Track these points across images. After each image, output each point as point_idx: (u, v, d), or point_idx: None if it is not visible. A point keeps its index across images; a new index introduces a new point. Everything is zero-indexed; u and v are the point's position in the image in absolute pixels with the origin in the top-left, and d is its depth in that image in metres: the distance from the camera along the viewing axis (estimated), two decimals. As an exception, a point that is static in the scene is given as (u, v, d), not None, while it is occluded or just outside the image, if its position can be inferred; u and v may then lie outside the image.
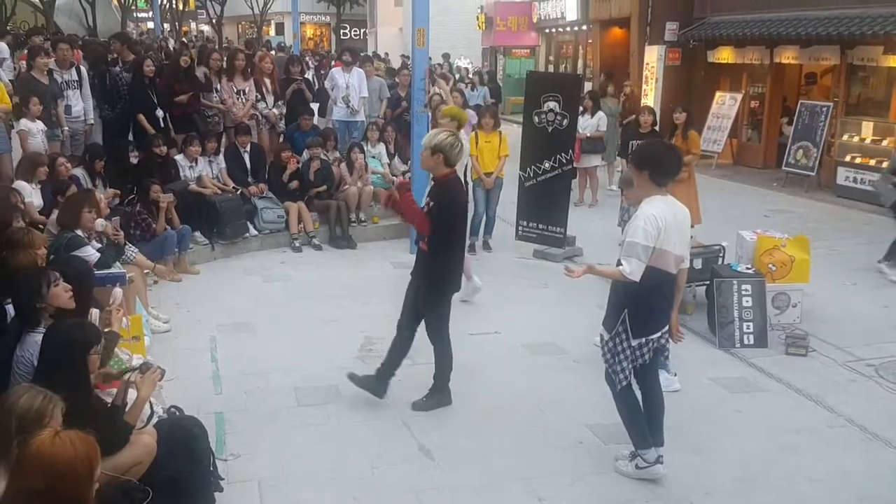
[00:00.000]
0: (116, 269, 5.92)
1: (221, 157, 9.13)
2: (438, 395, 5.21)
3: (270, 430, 4.89)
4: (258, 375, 5.64)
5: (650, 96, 16.17)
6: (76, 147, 8.66)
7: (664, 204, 4.14)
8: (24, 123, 7.67)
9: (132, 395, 3.70)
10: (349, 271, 8.28)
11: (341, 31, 39.78)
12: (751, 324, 6.36)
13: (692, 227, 4.55)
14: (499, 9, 25.42)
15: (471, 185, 7.81)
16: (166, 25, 36.24)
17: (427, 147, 4.89)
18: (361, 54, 13.51)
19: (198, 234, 8.36)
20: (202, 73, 9.78)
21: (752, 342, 6.34)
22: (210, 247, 8.51)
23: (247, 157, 9.29)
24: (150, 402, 3.77)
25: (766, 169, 14.73)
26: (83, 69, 9.00)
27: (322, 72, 14.49)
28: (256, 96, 9.85)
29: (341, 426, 4.97)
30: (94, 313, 4.38)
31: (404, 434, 4.88)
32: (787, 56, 13.88)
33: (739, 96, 15.17)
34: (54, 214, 6.23)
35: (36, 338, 3.85)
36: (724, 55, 15.26)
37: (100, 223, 6.23)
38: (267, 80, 10.06)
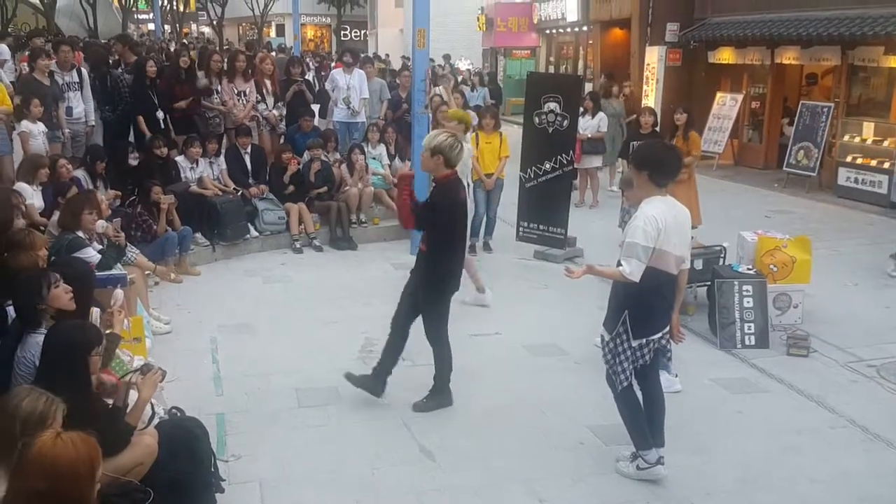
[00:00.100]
0: (117, 270, 5.93)
1: (222, 158, 9.13)
2: (439, 395, 5.21)
3: (271, 431, 4.89)
4: (259, 377, 5.64)
5: (651, 97, 16.17)
6: (77, 149, 8.66)
7: (664, 205, 4.14)
8: (25, 125, 7.67)
9: (133, 396, 3.70)
10: (350, 272, 8.28)
11: (342, 32, 39.80)
12: (752, 324, 6.36)
13: (693, 228, 4.55)
14: (499, 10, 25.44)
15: (471, 186, 7.81)
16: (167, 27, 36.27)
17: (427, 148, 4.90)
18: (362, 55, 13.53)
19: (198, 235, 8.36)
20: (202, 75, 9.78)
21: (753, 343, 6.34)
22: (211, 248, 8.51)
23: (247, 159, 9.29)
24: (151, 404, 3.77)
25: (767, 170, 14.73)
26: (84, 71, 9.00)
27: (322, 73, 14.49)
28: (257, 98, 9.86)
29: (342, 427, 4.97)
30: (95, 312, 4.38)
31: (405, 435, 4.88)
32: (788, 57, 13.88)
33: (740, 97, 15.17)
34: (55, 216, 6.23)
35: (37, 339, 3.85)
36: (725, 56, 15.26)
37: (101, 224, 6.23)
38: (267, 82, 10.06)
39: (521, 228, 8.98)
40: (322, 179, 9.35)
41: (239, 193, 8.89)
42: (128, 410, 3.61)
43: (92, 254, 5.77)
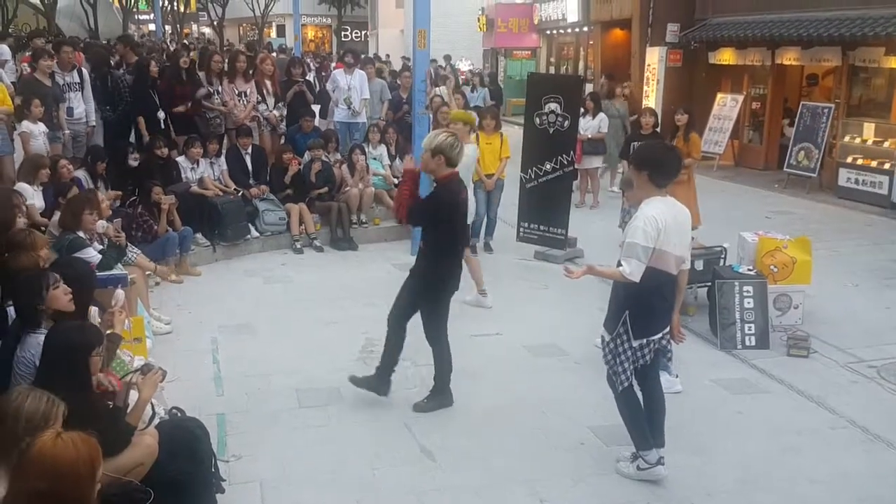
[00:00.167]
0: (118, 270, 5.94)
1: (223, 158, 9.14)
2: (439, 396, 5.21)
3: (272, 431, 4.89)
4: (259, 377, 5.64)
5: (651, 98, 16.18)
6: (78, 149, 8.66)
7: (664, 205, 4.14)
8: (26, 125, 7.68)
9: (134, 396, 3.71)
10: (350, 273, 8.29)
11: (342, 33, 39.82)
12: (752, 325, 6.36)
13: (692, 229, 4.55)
14: (500, 10, 25.45)
15: (471, 186, 7.81)
16: (167, 27, 36.28)
17: (428, 149, 4.90)
18: (362, 56, 13.53)
19: (199, 235, 8.37)
20: (203, 76, 9.79)
21: (753, 343, 6.34)
22: (211, 248, 8.51)
23: (248, 159, 9.30)
24: (151, 404, 3.78)
25: (768, 170, 14.73)
26: (85, 71, 9.01)
27: (323, 74, 14.50)
28: (257, 98, 9.86)
29: (342, 427, 4.97)
30: (94, 311, 4.38)
31: (405, 435, 4.88)
32: (789, 57, 13.88)
33: (741, 98, 15.18)
34: (56, 216, 6.24)
35: (37, 338, 3.85)
36: (726, 56, 15.27)
37: (101, 225, 6.24)
38: (267, 82, 10.07)
39: (521, 229, 8.98)
40: (323, 180, 9.35)
41: (240, 194, 8.90)
42: (128, 411, 3.61)
43: (92, 254, 5.78)
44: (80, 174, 7.60)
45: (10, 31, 25.62)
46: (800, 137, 13.24)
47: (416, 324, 5.21)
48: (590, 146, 11.28)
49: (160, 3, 32.03)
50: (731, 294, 6.40)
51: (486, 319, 6.86)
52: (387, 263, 8.56)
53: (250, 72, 9.91)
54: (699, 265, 6.75)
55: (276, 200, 9.13)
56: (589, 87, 15.97)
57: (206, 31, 43.39)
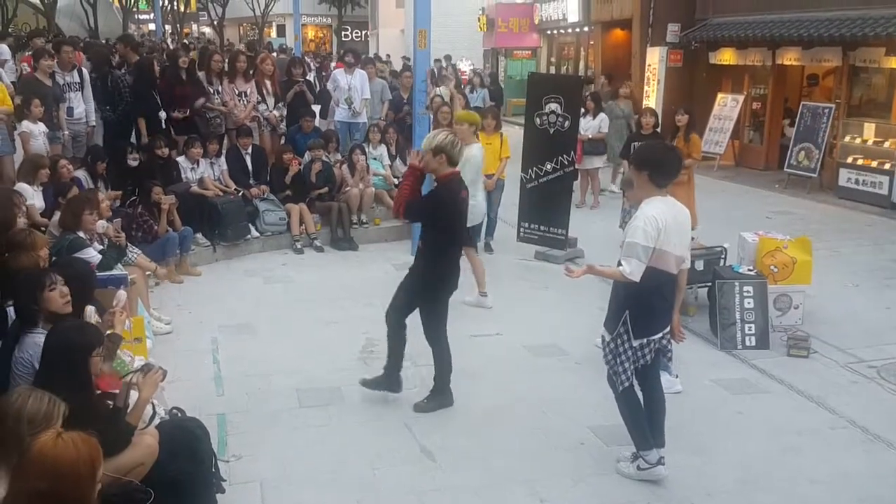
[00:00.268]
0: (118, 270, 5.94)
1: (223, 158, 9.14)
2: (439, 396, 5.21)
3: (272, 431, 4.89)
4: (260, 377, 5.64)
5: (652, 98, 16.17)
6: (78, 149, 8.67)
7: (664, 205, 4.15)
8: (26, 125, 7.68)
9: (134, 396, 3.71)
10: (351, 273, 8.29)
11: (343, 32, 39.82)
12: (752, 325, 6.36)
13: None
14: (500, 10, 25.45)
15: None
16: (167, 27, 36.28)
17: (428, 149, 4.91)
18: (363, 56, 13.52)
19: (199, 235, 8.37)
20: (203, 76, 9.79)
21: (753, 344, 6.34)
22: (211, 248, 8.51)
23: (248, 159, 9.30)
24: (152, 404, 3.78)
25: (768, 170, 14.73)
26: (85, 71, 9.01)
27: (323, 73, 14.50)
28: (257, 98, 9.86)
29: (343, 428, 4.97)
30: (89, 311, 4.37)
31: (406, 435, 4.88)
32: (789, 57, 13.88)
33: (741, 98, 15.18)
34: (56, 216, 6.24)
35: (34, 338, 3.86)
36: (726, 57, 15.26)
37: (101, 225, 6.24)
38: (267, 82, 10.06)
39: (521, 229, 8.98)
40: (323, 180, 9.35)
41: (240, 194, 8.90)
42: (128, 411, 3.61)
43: (93, 254, 5.78)
44: (80, 174, 7.60)
45: (9, 30, 25.63)
46: (800, 137, 13.24)
47: (416, 325, 5.21)
48: (590, 146, 11.28)
49: (160, 3, 32.01)
50: (731, 294, 6.40)
51: (487, 320, 6.86)
52: (387, 263, 8.56)
53: (250, 72, 9.90)
54: (699, 265, 6.75)
55: (277, 200, 9.13)
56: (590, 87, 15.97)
57: (207, 30, 43.39)
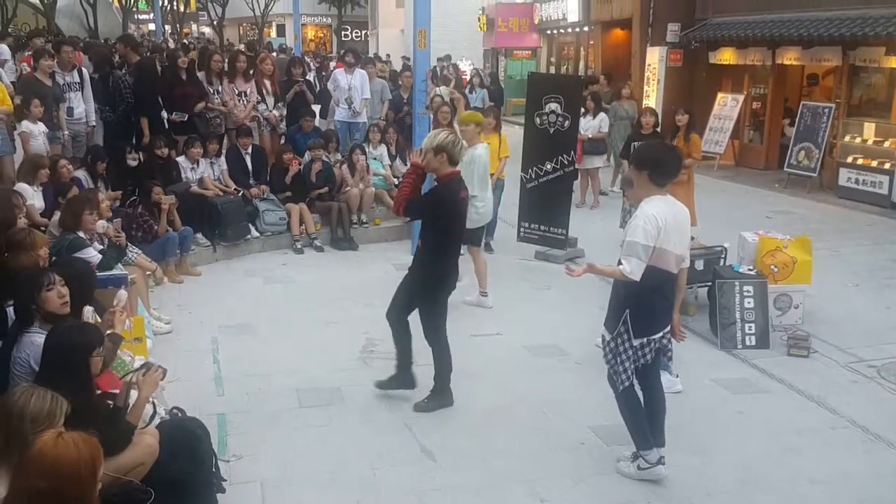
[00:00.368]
0: (118, 270, 5.93)
1: (223, 158, 9.14)
2: (440, 396, 5.21)
3: (272, 431, 4.89)
4: (260, 377, 5.64)
5: (652, 97, 16.17)
6: (78, 149, 8.66)
7: (664, 204, 4.15)
8: (26, 125, 7.68)
9: (134, 395, 3.71)
10: (351, 273, 8.29)
11: (342, 32, 39.82)
12: (753, 325, 6.36)
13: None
14: (500, 10, 25.44)
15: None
16: (167, 27, 36.28)
17: (429, 148, 4.91)
18: (363, 56, 13.52)
19: (199, 235, 8.36)
20: (203, 77, 9.78)
21: (753, 343, 6.34)
22: (212, 248, 8.51)
23: (248, 159, 9.30)
24: (153, 403, 3.78)
25: (768, 170, 14.73)
26: (85, 71, 9.01)
27: (323, 73, 14.49)
28: (257, 98, 9.86)
29: (343, 428, 4.97)
30: (88, 311, 4.37)
31: (406, 435, 4.88)
32: (789, 57, 13.87)
33: (741, 97, 15.17)
34: (56, 216, 6.23)
35: (31, 338, 3.85)
36: (726, 56, 15.26)
37: (101, 225, 6.24)
38: (267, 82, 10.06)
39: (521, 229, 8.98)
40: (323, 180, 9.35)
41: (240, 194, 8.90)
42: (128, 410, 3.61)
43: (93, 254, 5.78)
44: (80, 174, 7.60)
45: (9, 30, 25.64)
46: (800, 137, 13.24)
47: (416, 325, 5.21)
48: (590, 146, 11.28)
49: (160, 3, 32.02)
50: (731, 294, 6.40)
51: (487, 320, 6.86)
52: (387, 263, 8.55)
53: (250, 72, 9.89)
54: (699, 265, 6.75)
55: (277, 200, 9.13)
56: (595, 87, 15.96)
57: (206, 30, 43.39)
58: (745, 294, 6.40)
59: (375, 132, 10.21)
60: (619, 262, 4.11)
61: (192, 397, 5.06)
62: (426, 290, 5.09)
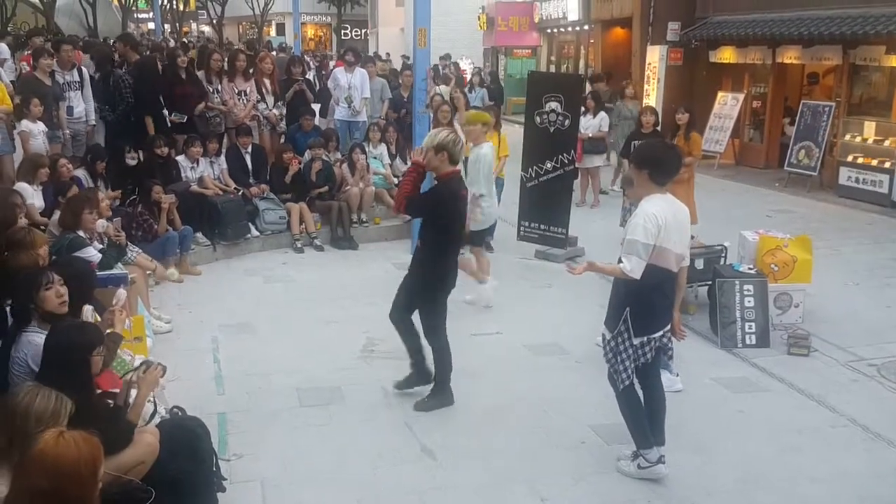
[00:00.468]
0: (118, 269, 5.93)
1: (223, 158, 9.13)
2: (440, 395, 5.21)
3: (273, 430, 4.89)
4: (260, 376, 5.64)
5: (652, 96, 16.17)
6: (77, 148, 8.66)
7: (664, 202, 4.15)
8: (25, 124, 7.67)
9: (134, 394, 3.71)
10: (351, 272, 8.28)
11: (342, 31, 39.79)
12: (753, 324, 6.36)
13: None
14: (500, 9, 25.43)
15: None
16: (167, 26, 36.26)
17: (430, 147, 4.92)
18: (362, 55, 13.49)
19: (199, 234, 8.36)
20: (202, 76, 9.78)
21: (754, 342, 6.34)
22: (212, 248, 8.51)
23: (248, 158, 9.29)
24: (154, 402, 3.78)
25: (769, 169, 14.73)
26: (85, 70, 9.00)
27: (323, 72, 14.48)
28: (257, 97, 9.85)
29: (343, 427, 4.97)
30: (87, 310, 4.37)
31: (406, 434, 4.88)
32: (790, 56, 13.87)
33: (741, 96, 15.16)
34: (56, 216, 6.23)
35: (29, 337, 3.85)
36: (726, 55, 15.25)
37: (101, 224, 6.23)
38: (267, 81, 10.05)
39: (522, 228, 8.98)
40: (323, 179, 9.35)
41: (240, 193, 8.89)
42: (128, 409, 3.61)
43: (93, 253, 5.77)
44: (80, 173, 7.59)
45: (8, 29, 25.64)
46: (800, 136, 13.23)
47: (417, 325, 5.21)
48: (590, 145, 11.27)
49: (159, 2, 31.99)
50: (731, 293, 6.40)
51: (487, 319, 6.86)
52: (387, 263, 8.55)
53: (250, 71, 9.89)
54: (700, 264, 6.75)
55: (276, 199, 9.12)
56: (590, 86, 15.96)
57: (206, 29, 43.35)
58: (746, 293, 6.40)
59: (375, 131, 10.21)
60: (620, 261, 4.11)
61: (193, 396, 5.06)
62: (427, 290, 5.10)
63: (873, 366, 6.01)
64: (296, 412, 5.14)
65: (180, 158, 8.72)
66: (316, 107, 11.21)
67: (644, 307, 4.18)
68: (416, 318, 5.23)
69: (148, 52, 11.57)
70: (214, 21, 38.65)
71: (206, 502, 3.80)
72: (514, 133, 11.96)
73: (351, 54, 10.95)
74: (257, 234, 8.93)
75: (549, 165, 8.61)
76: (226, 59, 10.20)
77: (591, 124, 11.35)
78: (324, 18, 43.24)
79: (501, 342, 6.42)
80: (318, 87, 12.39)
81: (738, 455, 4.71)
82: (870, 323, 6.89)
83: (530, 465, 4.56)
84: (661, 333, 4.28)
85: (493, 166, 7.48)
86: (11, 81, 9.85)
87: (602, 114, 11.58)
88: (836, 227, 10.52)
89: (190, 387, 5.36)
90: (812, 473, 4.54)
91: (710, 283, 6.75)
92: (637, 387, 4.37)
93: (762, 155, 15.15)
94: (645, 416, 4.39)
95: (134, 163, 8.21)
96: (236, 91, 9.67)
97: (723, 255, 7.01)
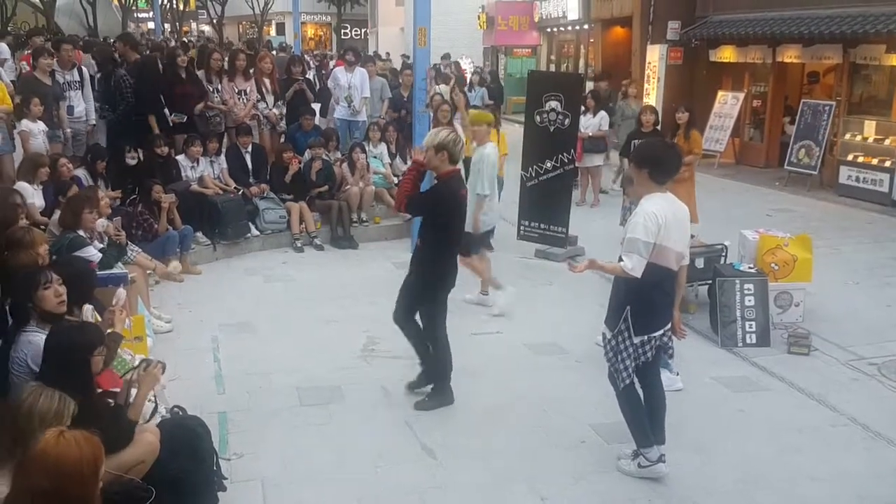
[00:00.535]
0: (118, 269, 5.93)
1: (223, 157, 9.13)
2: (440, 394, 5.21)
3: (273, 429, 4.89)
4: (260, 375, 5.64)
5: (652, 95, 16.16)
6: (78, 148, 8.66)
7: (664, 201, 4.16)
8: (26, 124, 7.67)
9: (134, 393, 3.71)
10: (351, 271, 8.28)
11: (342, 30, 39.77)
12: (753, 323, 6.36)
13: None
14: (500, 8, 25.42)
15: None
16: (167, 26, 36.25)
17: (430, 146, 4.93)
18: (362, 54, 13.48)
19: (199, 234, 8.37)
20: (202, 76, 9.77)
21: (754, 341, 6.34)
22: (212, 247, 8.51)
23: (248, 158, 9.29)
24: (154, 401, 3.78)
25: (769, 168, 14.72)
26: (85, 70, 8.99)
27: (323, 72, 14.47)
28: (257, 97, 9.85)
29: (344, 426, 4.97)
30: (87, 309, 4.37)
31: (406, 434, 4.88)
32: (790, 55, 13.86)
33: (742, 95, 15.16)
34: (56, 215, 6.23)
35: (28, 337, 3.85)
36: (727, 54, 15.25)
37: (101, 223, 6.23)
38: (267, 81, 10.05)
39: (522, 227, 8.98)
40: (323, 178, 9.35)
41: (240, 192, 8.90)
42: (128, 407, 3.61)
43: (93, 253, 5.78)
44: (80, 173, 7.60)
45: (8, 29, 25.63)
46: (801, 135, 13.23)
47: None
48: (590, 144, 11.27)
49: (159, 1, 31.98)
50: (731, 292, 6.40)
51: (487, 318, 6.86)
52: (387, 262, 8.55)
53: (250, 70, 9.88)
54: (700, 263, 6.75)
55: (277, 199, 9.13)
56: (590, 85, 15.95)
57: (206, 28, 43.34)
58: (746, 292, 6.39)
59: (375, 130, 10.21)
60: (620, 259, 4.12)
61: (193, 396, 5.06)
62: (427, 290, 5.10)
63: (873, 365, 6.01)
64: (296, 411, 5.14)
65: (180, 158, 8.73)
66: (316, 106, 11.21)
67: (644, 306, 4.18)
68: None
69: (148, 52, 11.56)
70: (214, 20, 38.62)
71: (207, 501, 3.80)
72: (514, 132, 11.96)
73: (351, 54, 10.94)
74: (257, 233, 8.93)
75: (549, 165, 8.61)
76: (226, 59, 10.19)
77: (591, 123, 11.34)
78: (324, 18, 43.21)
79: (501, 341, 6.42)
80: (318, 87, 12.39)
81: (738, 454, 4.71)
82: (870, 322, 6.89)
83: (530, 464, 4.56)
84: (661, 332, 4.28)
85: (496, 166, 7.48)
86: (11, 81, 9.85)
87: (602, 113, 11.58)
88: (837, 226, 10.52)
89: (190, 386, 5.36)
90: (812, 472, 4.54)
91: (710, 282, 6.75)
92: (637, 386, 4.38)
93: (762, 154, 15.15)
94: (645, 415, 4.39)
95: (134, 162, 8.21)
96: (236, 90, 9.67)
97: (723, 254, 7.01)
